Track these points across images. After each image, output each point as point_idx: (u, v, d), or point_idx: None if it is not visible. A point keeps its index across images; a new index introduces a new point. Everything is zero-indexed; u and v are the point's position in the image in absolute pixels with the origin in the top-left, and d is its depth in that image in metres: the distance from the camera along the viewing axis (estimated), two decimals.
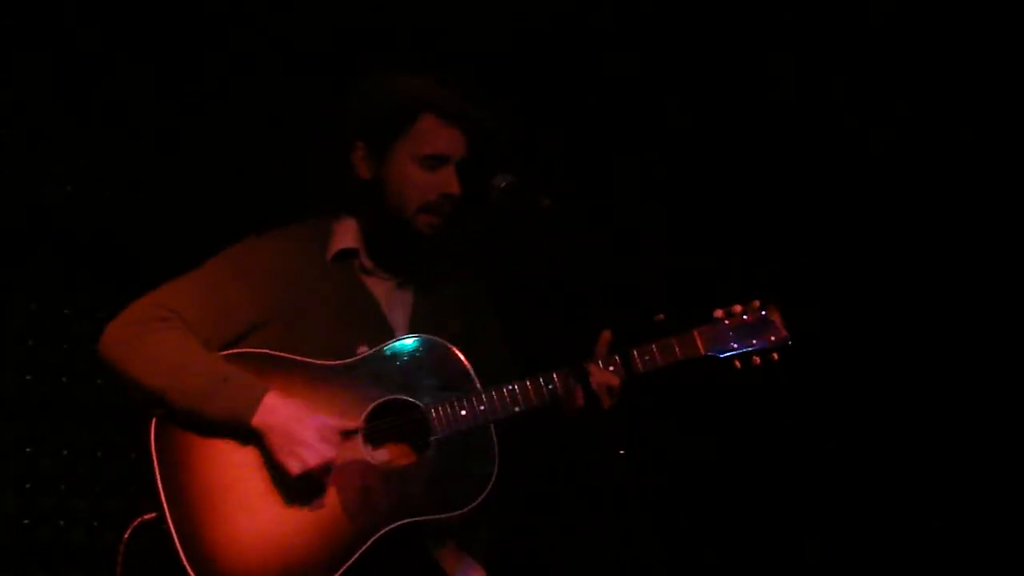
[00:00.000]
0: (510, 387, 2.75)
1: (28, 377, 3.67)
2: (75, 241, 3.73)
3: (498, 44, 3.80)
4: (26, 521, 3.60)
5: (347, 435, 2.68)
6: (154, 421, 2.65)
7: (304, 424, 2.63)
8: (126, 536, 2.69)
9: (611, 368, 2.77)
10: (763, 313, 2.86)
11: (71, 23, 3.64)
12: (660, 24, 3.83)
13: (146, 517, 2.67)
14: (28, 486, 3.61)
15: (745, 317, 2.85)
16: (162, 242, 3.72)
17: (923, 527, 3.81)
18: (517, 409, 2.73)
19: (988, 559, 3.74)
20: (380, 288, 2.91)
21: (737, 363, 2.84)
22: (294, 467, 2.61)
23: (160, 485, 2.59)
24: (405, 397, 2.73)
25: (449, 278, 2.99)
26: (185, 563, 2.54)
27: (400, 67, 2.89)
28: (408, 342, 2.79)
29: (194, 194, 3.78)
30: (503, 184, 2.76)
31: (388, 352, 2.77)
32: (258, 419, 2.63)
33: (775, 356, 2.83)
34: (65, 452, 3.67)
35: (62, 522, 3.64)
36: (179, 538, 2.56)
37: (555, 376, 2.77)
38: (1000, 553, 3.73)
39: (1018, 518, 3.73)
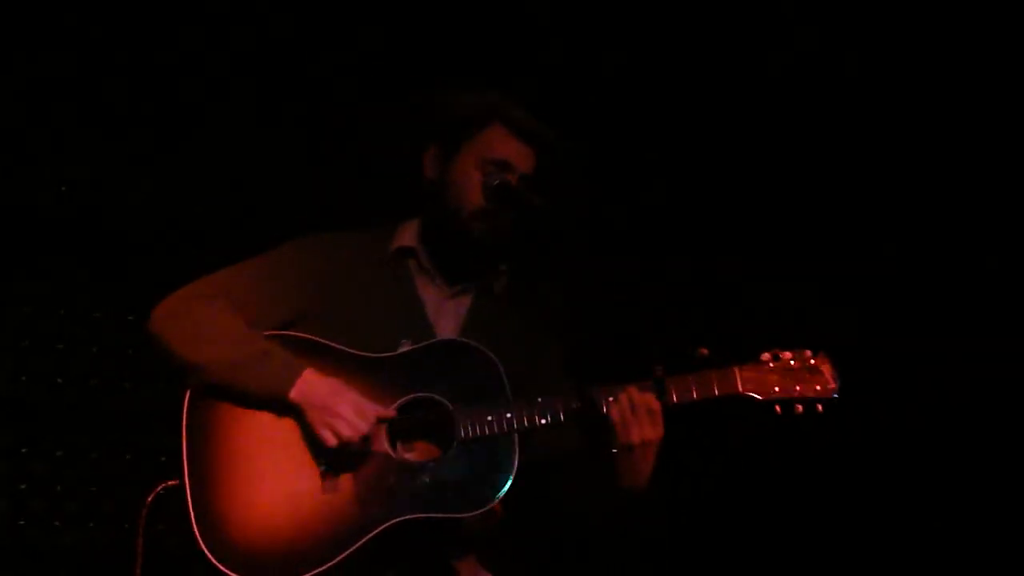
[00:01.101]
0: (539, 400, 2.72)
1: (23, 378, 3.67)
2: (70, 242, 3.73)
3: (494, 45, 3.79)
4: (20, 522, 3.60)
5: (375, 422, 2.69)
6: (189, 391, 2.68)
7: (342, 398, 2.65)
8: (149, 500, 2.78)
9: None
10: (812, 362, 2.73)
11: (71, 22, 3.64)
12: (660, 25, 3.82)
13: (169, 483, 2.72)
14: (22, 487, 3.61)
15: (792, 363, 2.72)
16: (157, 243, 3.74)
17: (920, 522, 3.82)
18: (543, 422, 2.70)
19: (985, 554, 3.74)
20: (433, 293, 2.92)
21: (778, 408, 2.69)
22: (330, 438, 2.62)
23: (185, 451, 2.62)
24: (435, 396, 2.73)
25: (517, 302, 2.97)
26: (194, 526, 2.57)
27: (473, 80, 2.94)
28: (448, 344, 2.81)
29: (191, 194, 3.79)
30: (496, 182, 2.77)
31: (427, 351, 2.78)
32: (296, 392, 2.65)
33: (819, 408, 2.68)
34: (59, 454, 3.66)
35: (56, 523, 3.63)
36: (193, 503, 2.58)
37: (584, 393, 2.71)
38: (997, 547, 3.74)
39: (1016, 512, 3.73)
